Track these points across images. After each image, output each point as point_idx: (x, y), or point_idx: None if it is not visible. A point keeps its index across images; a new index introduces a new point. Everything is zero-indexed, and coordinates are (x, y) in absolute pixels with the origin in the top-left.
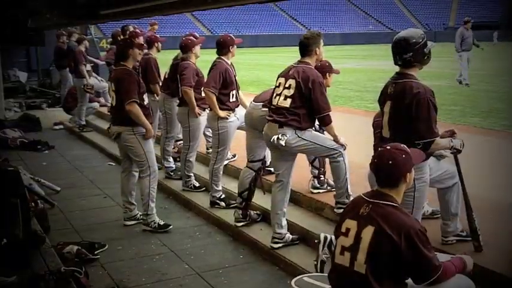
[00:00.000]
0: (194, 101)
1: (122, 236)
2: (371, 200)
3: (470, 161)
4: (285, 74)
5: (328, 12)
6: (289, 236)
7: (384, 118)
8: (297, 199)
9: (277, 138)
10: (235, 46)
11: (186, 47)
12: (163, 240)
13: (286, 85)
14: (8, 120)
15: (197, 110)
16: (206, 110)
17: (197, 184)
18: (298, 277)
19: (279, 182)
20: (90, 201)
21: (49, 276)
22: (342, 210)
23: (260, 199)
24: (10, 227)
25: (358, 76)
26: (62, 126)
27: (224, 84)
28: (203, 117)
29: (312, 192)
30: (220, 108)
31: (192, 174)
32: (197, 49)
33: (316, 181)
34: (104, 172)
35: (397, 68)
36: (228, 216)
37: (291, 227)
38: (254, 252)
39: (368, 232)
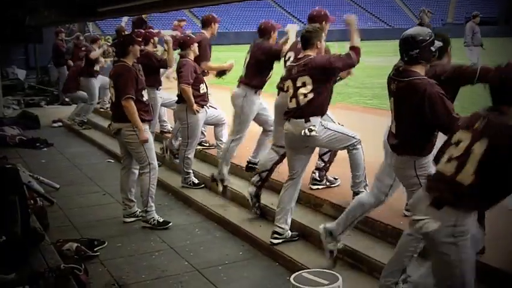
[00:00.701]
0: (192, 98)
1: (122, 233)
2: (486, 114)
3: None
4: (289, 76)
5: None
6: (289, 232)
7: (392, 114)
8: None
9: (309, 129)
10: (276, 31)
11: (184, 44)
12: (162, 237)
13: (299, 84)
14: (7, 117)
15: (195, 106)
16: (205, 106)
17: (196, 181)
18: (297, 273)
19: (292, 179)
20: (90, 198)
21: (49, 274)
22: None
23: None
24: (9, 225)
25: (356, 72)
26: (60, 124)
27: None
28: (201, 114)
29: (311, 189)
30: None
31: (191, 171)
32: (195, 46)
33: (317, 173)
34: (103, 169)
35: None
36: (228, 213)
37: (290, 223)
38: (253, 249)
39: (481, 145)
